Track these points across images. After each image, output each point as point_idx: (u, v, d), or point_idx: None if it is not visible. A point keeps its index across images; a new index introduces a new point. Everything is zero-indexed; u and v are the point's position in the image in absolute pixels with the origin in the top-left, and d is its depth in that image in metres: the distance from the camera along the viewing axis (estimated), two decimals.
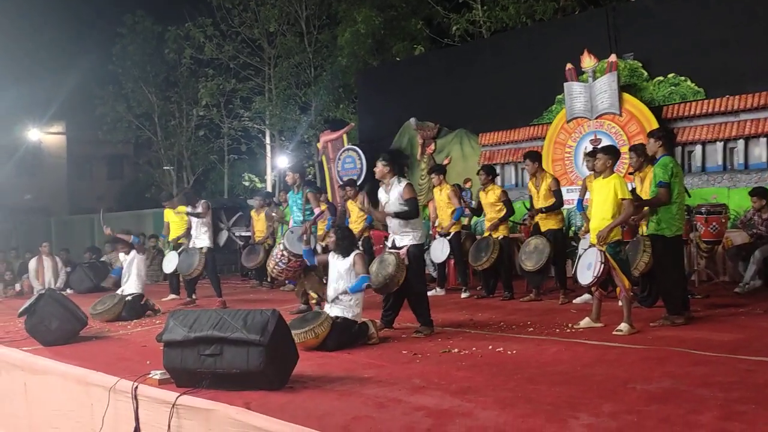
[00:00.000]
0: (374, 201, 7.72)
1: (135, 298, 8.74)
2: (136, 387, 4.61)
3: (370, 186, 13.24)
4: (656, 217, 6.13)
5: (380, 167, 6.51)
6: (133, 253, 9.00)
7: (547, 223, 8.26)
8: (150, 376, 4.70)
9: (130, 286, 8.82)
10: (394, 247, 6.48)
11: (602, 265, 5.80)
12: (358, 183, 13.46)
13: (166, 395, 4.38)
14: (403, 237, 6.44)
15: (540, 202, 8.24)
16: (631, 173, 7.83)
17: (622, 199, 5.91)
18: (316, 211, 8.17)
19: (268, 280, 12.08)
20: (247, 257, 11.95)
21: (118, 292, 8.83)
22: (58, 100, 25.30)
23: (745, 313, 6.58)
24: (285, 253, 7.52)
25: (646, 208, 6.33)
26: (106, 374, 5.06)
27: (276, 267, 7.68)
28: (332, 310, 6.01)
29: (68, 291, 12.54)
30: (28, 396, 5.96)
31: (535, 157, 8.46)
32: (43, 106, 25.65)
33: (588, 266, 5.96)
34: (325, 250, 8.21)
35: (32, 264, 13.30)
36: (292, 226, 8.20)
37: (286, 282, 10.77)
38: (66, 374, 5.49)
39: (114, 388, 4.78)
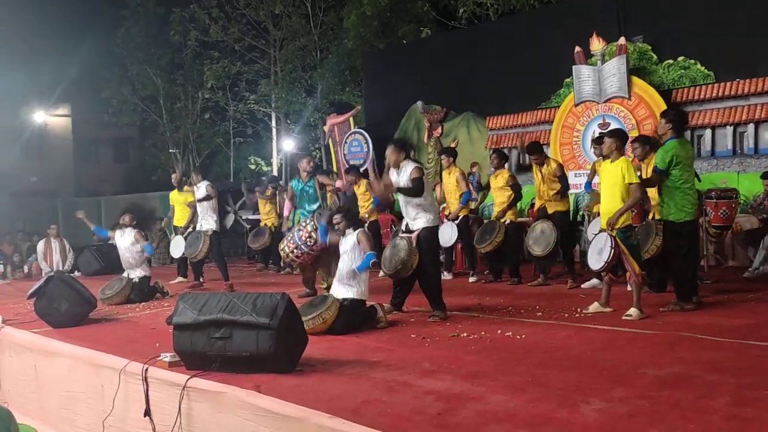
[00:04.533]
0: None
1: (143, 280, 8.74)
2: (147, 369, 4.63)
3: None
4: (664, 203, 6.08)
5: (394, 155, 6.35)
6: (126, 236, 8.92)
7: (554, 206, 8.22)
8: (160, 358, 4.72)
9: (135, 270, 8.80)
10: (407, 231, 6.43)
11: (612, 250, 5.77)
12: (365, 166, 13.45)
13: (177, 378, 4.39)
14: (416, 221, 6.37)
15: (544, 187, 8.18)
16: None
17: (629, 184, 5.86)
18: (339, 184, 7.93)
19: (272, 262, 12.11)
20: (254, 239, 12.10)
21: (124, 275, 8.82)
22: (63, 83, 25.24)
23: (755, 299, 6.55)
24: (314, 234, 7.16)
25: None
26: (117, 356, 5.07)
27: (296, 249, 7.29)
28: (338, 291, 6.01)
29: (76, 273, 12.59)
30: (38, 378, 5.99)
31: (540, 148, 8.36)
32: (49, 89, 25.60)
33: (599, 251, 5.93)
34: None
35: (40, 246, 13.33)
36: (301, 216, 8.01)
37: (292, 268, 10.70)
38: (76, 356, 5.51)
39: (124, 370, 4.80)
